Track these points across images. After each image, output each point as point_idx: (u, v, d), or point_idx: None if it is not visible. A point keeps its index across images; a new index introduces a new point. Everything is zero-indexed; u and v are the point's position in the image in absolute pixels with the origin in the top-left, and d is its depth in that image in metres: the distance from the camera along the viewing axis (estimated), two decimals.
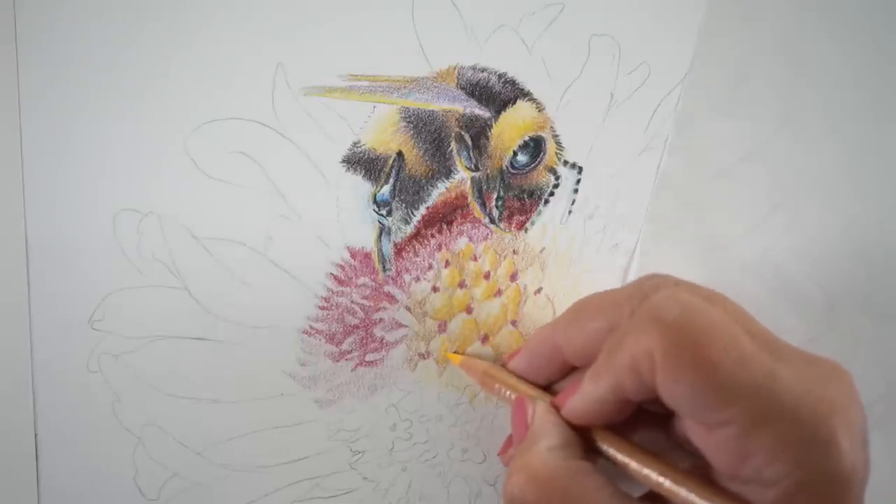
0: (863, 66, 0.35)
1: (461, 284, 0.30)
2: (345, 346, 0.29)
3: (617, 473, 0.22)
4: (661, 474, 0.21)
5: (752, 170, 0.35)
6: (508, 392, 0.27)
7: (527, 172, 0.30)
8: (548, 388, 0.27)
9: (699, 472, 0.21)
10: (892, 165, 0.37)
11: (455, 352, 0.31)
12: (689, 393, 0.19)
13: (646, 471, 0.21)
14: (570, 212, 0.32)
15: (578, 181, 0.31)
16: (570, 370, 0.26)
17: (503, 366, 0.28)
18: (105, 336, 0.24)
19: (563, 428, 0.23)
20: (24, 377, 0.24)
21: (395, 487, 0.32)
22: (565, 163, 0.31)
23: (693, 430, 0.21)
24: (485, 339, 0.32)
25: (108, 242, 0.23)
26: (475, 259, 0.30)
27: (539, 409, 0.24)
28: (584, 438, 0.23)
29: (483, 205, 0.30)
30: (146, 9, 0.22)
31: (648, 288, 0.22)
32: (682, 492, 0.20)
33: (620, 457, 0.22)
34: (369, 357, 0.30)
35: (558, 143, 0.30)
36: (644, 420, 0.24)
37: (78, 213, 0.23)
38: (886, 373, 0.41)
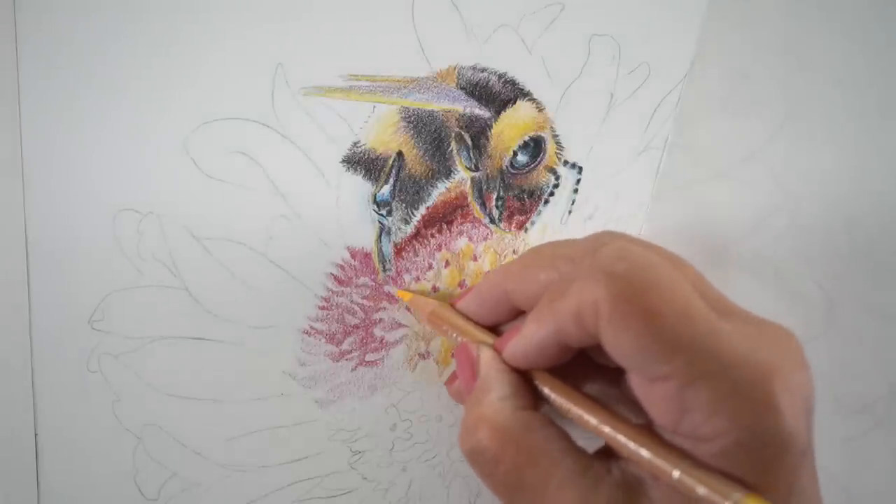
0: (863, 65, 0.35)
1: (461, 284, 0.30)
2: (345, 346, 0.29)
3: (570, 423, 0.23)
4: (601, 421, 0.21)
5: (752, 170, 0.35)
6: (455, 333, 0.26)
7: (527, 172, 0.30)
8: (494, 329, 0.27)
9: (645, 426, 0.21)
10: (892, 165, 0.37)
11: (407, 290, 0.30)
12: (633, 344, 0.19)
13: (586, 416, 0.21)
14: (570, 212, 0.32)
15: (578, 181, 0.31)
16: (517, 314, 0.26)
17: (452, 305, 0.28)
18: (105, 336, 0.24)
19: (510, 375, 0.23)
20: (24, 377, 0.24)
21: (395, 487, 0.32)
22: (565, 163, 0.31)
23: (636, 383, 0.21)
24: None
25: (108, 242, 0.23)
26: (475, 259, 0.30)
27: (485, 356, 0.24)
28: (530, 384, 0.23)
29: (483, 205, 0.30)
30: (146, 9, 0.22)
31: (601, 244, 0.22)
32: (620, 438, 0.20)
33: (561, 401, 0.22)
34: (369, 357, 0.30)
35: (558, 143, 0.30)
36: (596, 374, 0.24)
37: (78, 213, 0.23)
38: (887, 373, 0.41)
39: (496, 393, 0.23)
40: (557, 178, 0.31)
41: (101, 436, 0.26)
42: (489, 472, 0.22)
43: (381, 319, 0.29)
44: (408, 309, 0.30)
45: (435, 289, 0.30)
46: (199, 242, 0.25)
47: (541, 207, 0.31)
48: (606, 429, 0.21)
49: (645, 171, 0.33)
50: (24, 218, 0.22)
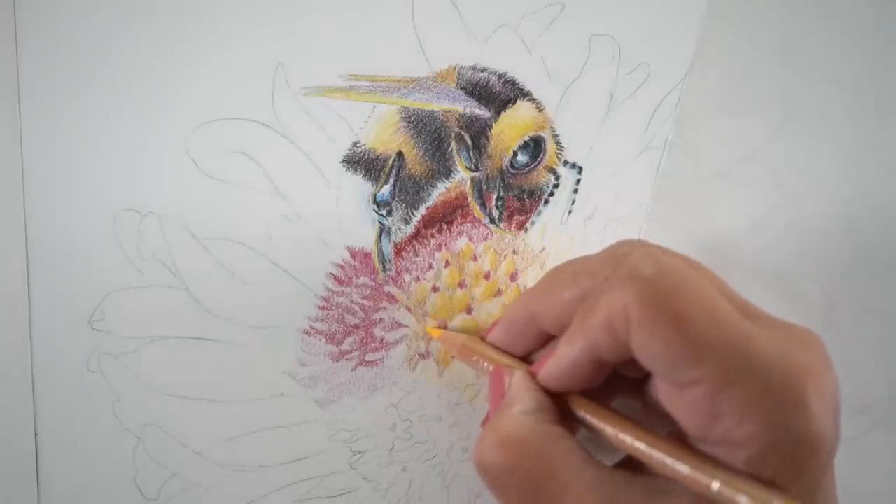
0: (863, 65, 0.35)
1: (461, 284, 0.30)
2: (345, 346, 0.29)
3: (594, 443, 0.22)
4: (636, 438, 0.21)
5: (752, 170, 0.35)
6: (487, 364, 0.27)
7: (527, 172, 0.30)
8: (526, 358, 0.27)
9: (674, 437, 0.21)
10: (892, 165, 0.37)
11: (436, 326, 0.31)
12: (663, 349, 0.19)
13: (621, 435, 0.21)
14: (570, 212, 0.32)
15: (578, 181, 0.31)
16: (547, 340, 0.26)
17: (482, 339, 0.28)
18: (105, 336, 0.24)
19: (538, 394, 0.23)
20: (24, 377, 0.24)
21: (395, 487, 0.32)
22: (565, 163, 0.31)
23: (665, 391, 0.21)
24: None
25: (108, 242, 0.23)
26: (475, 259, 0.30)
27: (515, 377, 0.24)
28: (560, 406, 0.23)
29: (483, 205, 0.30)
30: (146, 9, 0.22)
31: (622, 254, 0.22)
32: (657, 454, 0.20)
33: (596, 422, 0.22)
34: (369, 357, 0.30)
35: (558, 143, 0.30)
36: (620, 386, 0.24)
37: (78, 213, 0.23)
38: (887, 373, 0.41)
39: (518, 407, 0.22)
40: (557, 178, 0.31)
41: (101, 436, 0.26)
42: (502, 484, 0.21)
43: (381, 319, 0.29)
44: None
45: (435, 289, 0.30)
46: (199, 242, 0.25)
47: (541, 207, 0.31)
48: (642, 445, 0.21)
49: (645, 171, 0.33)
50: (24, 218, 0.22)
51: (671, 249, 0.23)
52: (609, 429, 0.22)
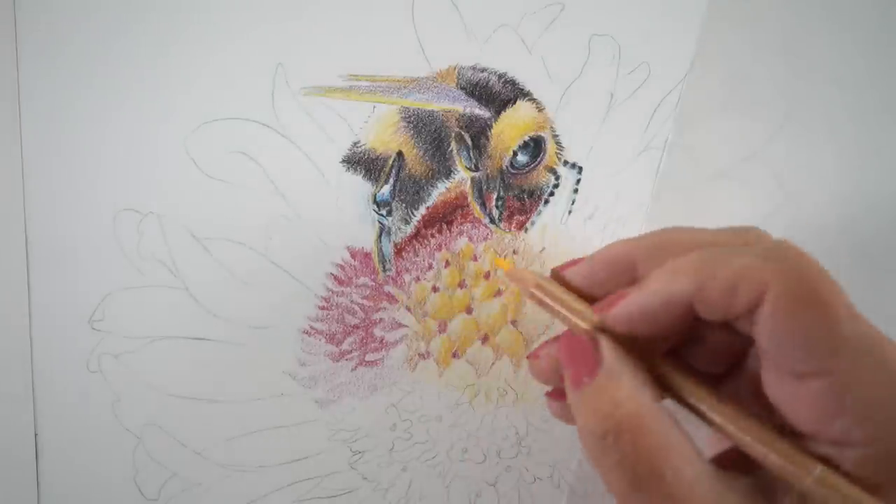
0: (863, 65, 0.35)
1: (461, 284, 0.30)
2: (345, 346, 0.29)
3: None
4: (729, 418, 0.20)
5: (752, 170, 0.35)
6: (561, 308, 0.23)
7: (527, 172, 0.30)
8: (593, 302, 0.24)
9: (777, 429, 0.20)
10: (892, 166, 0.37)
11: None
12: (802, 332, 0.19)
13: (731, 427, 0.20)
14: (570, 212, 0.32)
15: (578, 181, 0.31)
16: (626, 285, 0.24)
17: (558, 271, 0.25)
18: (105, 336, 0.24)
19: (639, 366, 0.21)
20: (24, 377, 0.24)
21: (395, 487, 0.32)
22: (565, 163, 0.31)
23: (775, 381, 0.20)
24: (485, 338, 0.32)
25: (108, 242, 0.24)
26: (475, 259, 0.30)
27: (606, 342, 0.22)
28: (652, 374, 0.21)
29: (483, 205, 0.30)
30: (146, 9, 0.22)
31: (752, 237, 0.22)
32: (748, 438, 0.19)
33: (692, 390, 0.21)
34: (369, 357, 0.30)
35: (558, 143, 0.30)
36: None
37: (78, 213, 0.23)
38: None
39: (628, 381, 0.21)
40: (557, 178, 0.31)
41: (101, 436, 0.26)
42: (618, 459, 0.20)
43: (381, 319, 0.29)
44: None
45: (435, 289, 0.30)
46: (199, 242, 0.25)
47: (541, 207, 0.31)
48: (736, 426, 0.20)
49: (645, 171, 0.33)
50: (24, 218, 0.22)
51: None
52: (718, 417, 0.20)
